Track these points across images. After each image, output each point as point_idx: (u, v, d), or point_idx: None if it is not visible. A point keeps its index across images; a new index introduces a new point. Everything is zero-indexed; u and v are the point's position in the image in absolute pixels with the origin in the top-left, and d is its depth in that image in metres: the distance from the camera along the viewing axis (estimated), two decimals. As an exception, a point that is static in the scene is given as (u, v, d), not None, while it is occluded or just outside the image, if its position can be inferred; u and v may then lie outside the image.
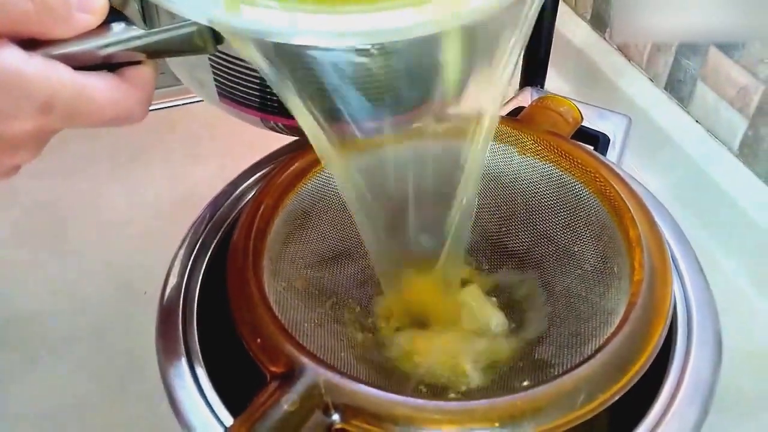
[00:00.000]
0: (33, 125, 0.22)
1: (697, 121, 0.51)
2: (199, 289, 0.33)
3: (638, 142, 0.53)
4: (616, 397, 0.26)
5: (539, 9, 0.25)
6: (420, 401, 0.26)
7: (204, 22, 0.23)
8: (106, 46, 0.23)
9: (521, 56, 0.27)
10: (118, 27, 0.23)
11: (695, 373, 0.28)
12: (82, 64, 0.22)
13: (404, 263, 0.34)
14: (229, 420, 0.28)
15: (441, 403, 0.26)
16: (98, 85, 0.22)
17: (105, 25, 0.23)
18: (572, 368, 0.26)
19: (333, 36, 0.23)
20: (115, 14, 0.23)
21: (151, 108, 0.25)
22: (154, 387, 0.42)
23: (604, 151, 0.43)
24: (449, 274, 0.35)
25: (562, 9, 0.65)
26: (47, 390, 0.43)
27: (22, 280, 0.50)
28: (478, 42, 0.26)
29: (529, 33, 0.25)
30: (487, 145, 0.29)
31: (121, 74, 0.23)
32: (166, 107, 0.64)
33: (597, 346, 0.28)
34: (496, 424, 0.25)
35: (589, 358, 0.27)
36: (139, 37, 0.23)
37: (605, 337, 0.29)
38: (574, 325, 0.35)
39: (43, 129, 0.22)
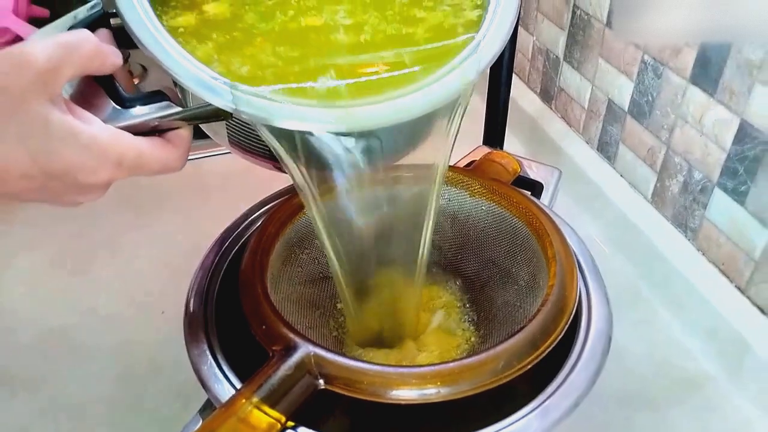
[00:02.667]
0: (106, 177, 0.29)
1: (621, 175, 0.62)
2: (217, 292, 0.42)
3: (576, 191, 0.64)
4: (528, 367, 0.35)
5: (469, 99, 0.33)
6: (380, 368, 0.35)
7: (229, 110, 0.30)
8: (155, 119, 0.31)
9: (460, 125, 0.35)
10: (163, 105, 0.31)
11: (589, 358, 0.37)
12: (139, 131, 0.31)
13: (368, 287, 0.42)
14: (240, 385, 0.36)
15: (397, 369, 0.35)
16: (151, 147, 0.31)
17: (155, 104, 0.31)
18: (494, 345, 0.36)
19: (321, 125, 0.31)
20: (161, 95, 0.31)
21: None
22: (171, 388, 0.51)
23: (538, 196, 0.53)
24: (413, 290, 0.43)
25: (518, 84, 0.77)
26: (78, 388, 0.50)
27: (56, 301, 0.58)
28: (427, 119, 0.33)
29: (464, 110, 0.34)
30: (439, 188, 0.38)
31: (165, 137, 0.32)
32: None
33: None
34: (438, 383, 0.34)
35: (508, 338, 0.36)
36: (178, 113, 0.31)
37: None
38: (511, 327, 0.44)
39: (112, 179, 0.30)
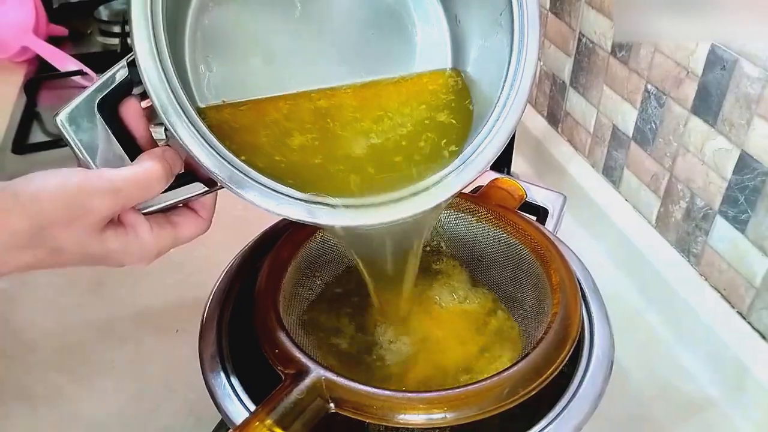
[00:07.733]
0: (146, 264, 0.36)
1: (626, 200, 0.63)
2: (231, 313, 0.43)
3: (581, 214, 0.65)
4: (532, 393, 0.37)
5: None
6: (389, 393, 0.36)
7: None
8: (187, 198, 0.36)
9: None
10: (193, 186, 0.36)
11: (591, 384, 0.38)
12: (172, 207, 0.36)
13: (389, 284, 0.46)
14: (254, 408, 0.38)
15: (405, 394, 0.36)
16: (183, 227, 0.37)
17: (185, 186, 0.36)
18: (499, 373, 0.37)
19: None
20: (191, 176, 0.36)
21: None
22: (184, 405, 0.52)
23: (543, 221, 0.54)
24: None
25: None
26: (93, 404, 0.52)
27: (69, 318, 0.60)
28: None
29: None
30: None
31: (192, 208, 0.37)
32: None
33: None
34: (445, 408, 0.35)
35: (512, 366, 0.37)
36: (206, 190, 0.37)
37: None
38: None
39: (151, 263, 0.36)
